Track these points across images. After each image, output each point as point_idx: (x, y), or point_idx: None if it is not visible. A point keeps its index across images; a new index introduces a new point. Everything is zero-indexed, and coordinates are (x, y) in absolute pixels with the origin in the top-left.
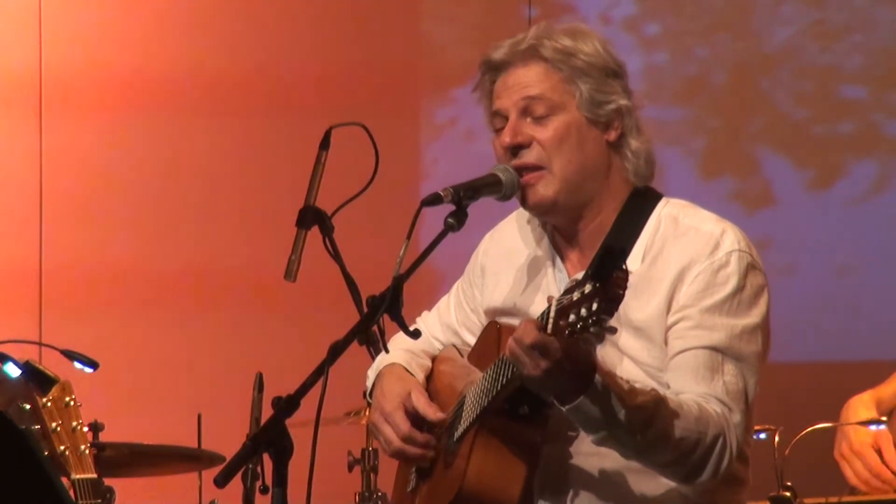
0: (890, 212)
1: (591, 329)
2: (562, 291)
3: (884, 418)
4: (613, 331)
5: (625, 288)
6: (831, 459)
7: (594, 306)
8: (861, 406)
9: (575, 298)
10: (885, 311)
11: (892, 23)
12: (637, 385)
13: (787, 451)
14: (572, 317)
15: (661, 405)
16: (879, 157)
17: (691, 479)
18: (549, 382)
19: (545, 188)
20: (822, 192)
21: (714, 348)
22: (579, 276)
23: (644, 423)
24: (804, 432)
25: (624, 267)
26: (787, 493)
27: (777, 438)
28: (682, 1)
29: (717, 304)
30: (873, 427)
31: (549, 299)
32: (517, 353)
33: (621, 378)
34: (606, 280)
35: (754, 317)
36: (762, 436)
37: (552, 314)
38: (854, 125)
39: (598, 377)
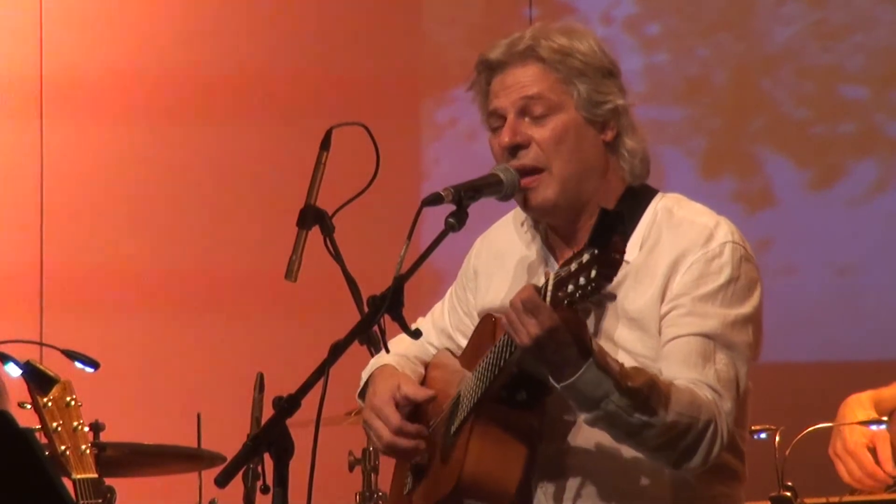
0: (890, 212)
1: (591, 298)
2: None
3: (884, 418)
4: (612, 297)
5: (622, 252)
6: (832, 459)
7: (592, 273)
8: (858, 406)
9: (573, 269)
10: (886, 311)
11: (893, 23)
12: (630, 367)
13: (787, 451)
14: (570, 287)
15: (655, 388)
16: (880, 158)
17: (681, 463)
18: (543, 352)
19: (545, 190)
20: (822, 193)
21: (706, 335)
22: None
23: (637, 405)
24: (805, 432)
25: (622, 232)
26: (788, 493)
27: (778, 438)
28: (683, 1)
29: (710, 293)
30: (873, 427)
31: (547, 273)
32: (511, 318)
33: (616, 360)
34: (605, 246)
35: (747, 308)
36: (763, 436)
37: (550, 286)
38: (855, 125)
39: (593, 356)
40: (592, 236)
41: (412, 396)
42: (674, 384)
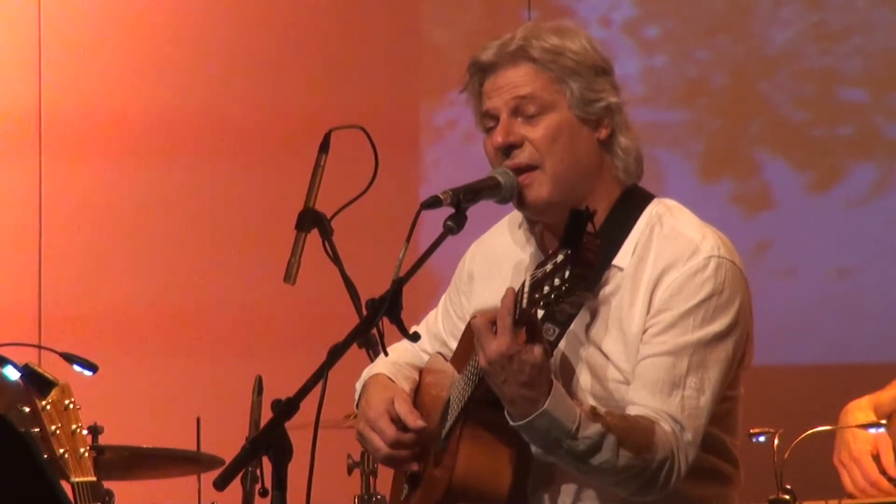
0: (889, 214)
1: (566, 299)
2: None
3: (883, 421)
4: (587, 298)
5: (595, 252)
6: (831, 463)
7: (566, 273)
8: (858, 411)
9: (548, 270)
10: (885, 314)
11: (892, 25)
12: (589, 411)
13: (786, 454)
14: (546, 288)
15: (608, 435)
16: (879, 160)
17: (637, 497)
18: (492, 381)
19: (539, 188)
20: (821, 195)
21: (678, 356)
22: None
23: (590, 453)
24: (804, 435)
25: (592, 230)
26: (787, 497)
27: (776, 441)
28: (682, 3)
29: (688, 310)
30: (873, 430)
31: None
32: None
33: (575, 403)
34: (577, 246)
35: (727, 321)
36: (762, 439)
37: (527, 289)
38: (854, 128)
39: (549, 401)
40: (564, 236)
41: (404, 420)
42: (630, 422)
